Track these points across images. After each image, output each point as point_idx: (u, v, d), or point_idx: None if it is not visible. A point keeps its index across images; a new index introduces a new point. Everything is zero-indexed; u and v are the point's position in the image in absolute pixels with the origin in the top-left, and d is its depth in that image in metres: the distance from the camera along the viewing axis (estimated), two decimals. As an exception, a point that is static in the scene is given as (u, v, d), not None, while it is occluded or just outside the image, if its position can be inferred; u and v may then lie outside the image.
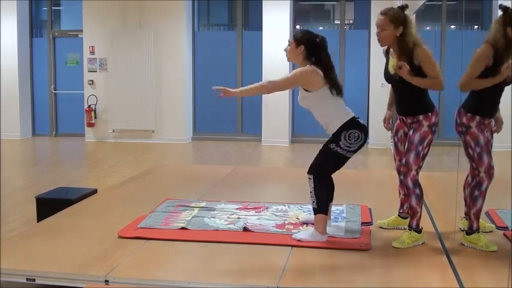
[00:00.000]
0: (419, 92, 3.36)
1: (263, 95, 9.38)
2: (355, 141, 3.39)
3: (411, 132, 3.39)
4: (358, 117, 3.50)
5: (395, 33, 3.31)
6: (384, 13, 3.34)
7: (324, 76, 3.41)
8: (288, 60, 3.59)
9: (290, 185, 5.47)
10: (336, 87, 3.45)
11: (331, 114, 3.46)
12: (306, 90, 3.45)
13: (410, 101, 3.40)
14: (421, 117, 3.36)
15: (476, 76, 3.23)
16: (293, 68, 3.64)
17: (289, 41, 3.54)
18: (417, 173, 3.38)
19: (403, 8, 3.36)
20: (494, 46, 3.20)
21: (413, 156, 3.35)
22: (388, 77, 3.48)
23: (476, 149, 3.34)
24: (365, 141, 3.46)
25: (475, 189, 3.37)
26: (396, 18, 3.31)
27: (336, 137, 3.41)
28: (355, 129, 3.40)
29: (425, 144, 3.36)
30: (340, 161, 3.46)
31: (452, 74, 3.42)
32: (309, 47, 3.45)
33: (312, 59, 3.45)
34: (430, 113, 3.37)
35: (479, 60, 3.23)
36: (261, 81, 3.53)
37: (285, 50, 3.55)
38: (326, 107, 3.46)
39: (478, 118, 3.34)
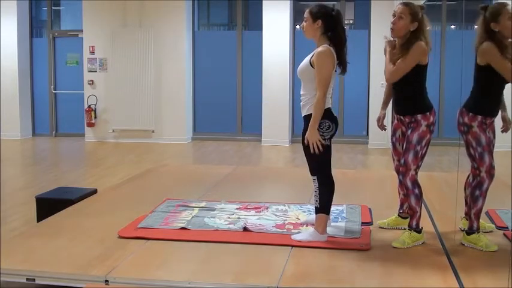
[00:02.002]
0: (418, 91, 3.37)
1: (263, 93, 9.43)
2: (326, 129, 3.37)
3: (409, 131, 3.39)
4: (331, 109, 3.46)
5: (410, 26, 3.30)
6: (406, 4, 3.34)
7: (335, 55, 3.37)
8: (306, 37, 3.50)
9: (290, 185, 5.47)
10: (343, 63, 3.43)
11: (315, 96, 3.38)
12: (312, 66, 3.37)
13: (409, 100, 3.39)
14: (419, 116, 3.36)
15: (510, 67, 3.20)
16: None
17: (304, 17, 3.46)
18: (416, 173, 3.38)
19: (422, 7, 3.36)
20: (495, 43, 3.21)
21: (411, 156, 3.35)
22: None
23: (478, 148, 3.34)
24: (335, 131, 3.43)
25: (476, 189, 3.37)
26: (415, 12, 3.31)
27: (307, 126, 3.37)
28: (326, 120, 3.37)
29: (423, 143, 3.36)
30: (326, 151, 3.41)
31: (452, 74, 3.42)
32: (326, 21, 3.39)
33: (329, 33, 3.40)
34: (428, 113, 3.36)
35: (498, 55, 3.21)
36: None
37: (302, 27, 3.50)
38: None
39: (479, 118, 3.34)
